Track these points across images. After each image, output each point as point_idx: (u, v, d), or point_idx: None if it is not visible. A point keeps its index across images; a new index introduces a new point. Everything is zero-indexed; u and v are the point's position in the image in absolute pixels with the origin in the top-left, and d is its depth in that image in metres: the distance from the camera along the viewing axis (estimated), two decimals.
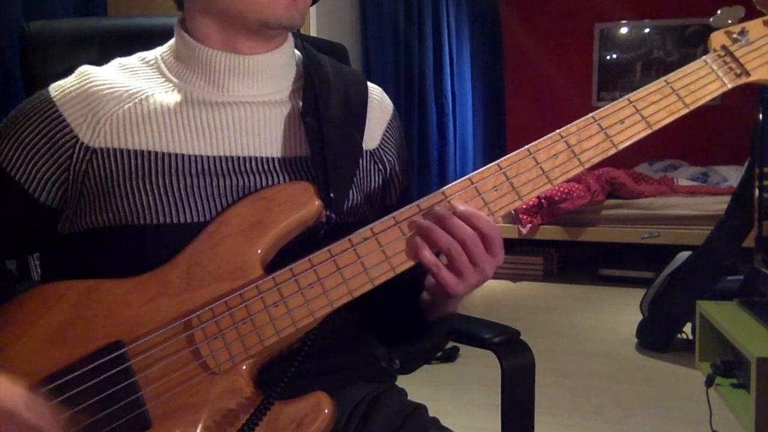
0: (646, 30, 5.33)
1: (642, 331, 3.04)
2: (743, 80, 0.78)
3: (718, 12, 0.81)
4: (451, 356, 2.88)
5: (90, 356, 0.71)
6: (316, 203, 0.76)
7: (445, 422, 0.90)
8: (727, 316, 2.45)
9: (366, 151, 0.88)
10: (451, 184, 0.75)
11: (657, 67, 5.29)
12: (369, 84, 0.93)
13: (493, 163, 0.76)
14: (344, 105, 0.86)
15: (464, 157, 4.52)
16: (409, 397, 0.94)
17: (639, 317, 3.08)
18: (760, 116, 2.50)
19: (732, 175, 4.39)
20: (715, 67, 0.78)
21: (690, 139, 4.55)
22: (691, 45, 5.16)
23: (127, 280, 0.74)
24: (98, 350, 0.71)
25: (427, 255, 0.72)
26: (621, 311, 3.55)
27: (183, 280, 0.73)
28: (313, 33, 2.91)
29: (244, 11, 0.77)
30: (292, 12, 0.78)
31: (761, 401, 2.05)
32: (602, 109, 0.77)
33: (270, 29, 0.81)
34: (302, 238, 0.77)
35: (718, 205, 3.60)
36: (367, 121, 0.88)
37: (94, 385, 0.70)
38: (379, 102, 0.92)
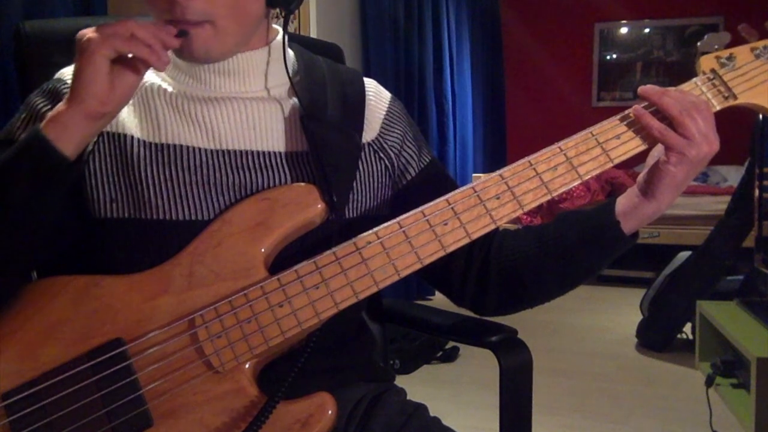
0: (646, 30, 5.33)
1: (642, 331, 3.04)
2: (730, 103, 0.83)
3: (705, 37, 0.86)
4: (451, 356, 2.88)
5: (89, 353, 0.71)
6: (320, 205, 0.76)
7: (445, 422, 0.90)
8: (727, 316, 2.45)
9: (365, 144, 0.88)
10: (454, 192, 0.77)
11: (657, 67, 5.30)
12: (364, 79, 0.93)
13: (494, 173, 0.78)
14: (342, 104, 0.86)
15: (464, 157, 4.52)
16: (409, 397, 0.95)
17: (639, 317, 3.08)
18: (760, 116, 2.50)
19: (732, 175, 4.39)
20: (705, 90, 0.82)
21: None
22: (691, 45, 5.16)
23: (128, 277, 0.74)
24: (98, 347, 0.71)
25: (653, 121, 0.77)
26: (621, 311, 3.55)
27: (185, 279, 0.73)
28: (313, 33, 2.91)
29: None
30: (190, 46, 0.74)
31: (761, 401, 2.05)
32: (599, 124, 0.80)
33: (185, 60, 0.80)
34: (304, 239, 0.78)
35: (718, 205, 3.60)
36: (365, 115, 0.89)
37: (94, 383, 0.70)
38: (375, 94, 0.92)
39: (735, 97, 0.82)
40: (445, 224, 0.76)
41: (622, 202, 0.82)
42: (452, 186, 0.83)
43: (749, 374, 2.11)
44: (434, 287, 0.96)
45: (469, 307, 0.94)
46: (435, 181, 0.92)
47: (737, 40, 0.85)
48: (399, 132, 0.92)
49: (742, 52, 0.84)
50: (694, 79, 0.83)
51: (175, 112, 0.79)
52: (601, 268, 0.87)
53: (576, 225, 0.85)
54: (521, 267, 0.88)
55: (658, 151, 0.79)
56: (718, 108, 0.82)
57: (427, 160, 0.94)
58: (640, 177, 0.81)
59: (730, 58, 0.83)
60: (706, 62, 0.84)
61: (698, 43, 0.86)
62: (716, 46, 0.84)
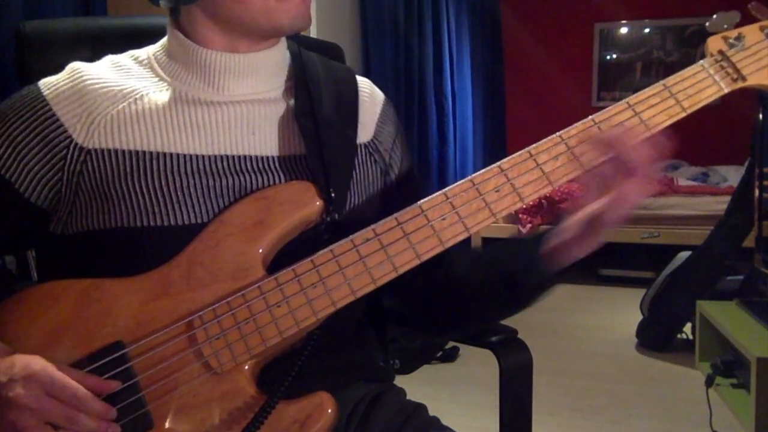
0: (646, 30, 5.33)
1: (642, 331, 3.04)
2: (739, 85, 0.79)
3: (714, 16, 0.82)
4: (451, 356, 2.88)
5: (90, 356, 0.71)
6: (318, 203, 0.76)
7: (445, 422, 0.90)
8: (727, 316, 2.45)
9: (360, 145, 0.88)
10: (452, 186, 0.76)
11: (657, 67, 5.30)
12: (357, 78, 0.93)
13: (494, 165, 0.76)
14: (336, 103, 0.86)
15: (464, 157, 4.52)
16: (409, 397, 0.95)
17: (639, 317, 3.08)
18: (760, 116, 2.50)
19: (732, 175, 4.38)
20: (712, 72, 0.79)
21: (690, 139, 4.52)
22: (691, 45, 5.16)
23: (127, 280, 0.74)
24: (98, 350, 0.71)
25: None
26: (621, 311, 3.55)
27: (184, 280, 0.73)
28: (313, 33, 2.91)
29: (257, 19, 0.77)
30: (303, 13, 0.78)
31: (761, 401, 2.05)
32: (602, 111, 0.77)
33: (283, 33, 0.81)
34: (302, 237, 0.77)
35: (718, 205, 3.60)
36: (359, 115, 0.88)
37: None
38: (369, 95, 0.92)
39: (744, 79, 0.78)
40: (443, 219, 0.74)
41: (551, 242, 0.80)
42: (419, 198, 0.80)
43: (749, 374, 2.11)
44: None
45: (395, 320, 0.95)
46: (408, 191, 0.92)
47: (747, 21, 0.82)
48: (391, 134, 0.92)
49: (751, 31, 0.81)
50: (701, 62, 0.80)
51: (172, 119, 0.78)
52: (519, 309, 0.86)
53: (502, 266, 0.84)
54: (442, 297, 0.88)
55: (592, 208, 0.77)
56: (726, 91, 0.78)
57: (407, 167, 0.94)
58: (573, 221, 0.79)
59: (739, 38, 0.80)
60: (713, 43, 0.80)
61: (707, 23, 0.82)
62: (725, 26, 0.81)
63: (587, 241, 0.77)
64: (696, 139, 4.64)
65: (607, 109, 0.78)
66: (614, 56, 5.40)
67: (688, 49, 5.17)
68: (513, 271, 0.82)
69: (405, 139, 0.96)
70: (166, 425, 0.70)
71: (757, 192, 2.54)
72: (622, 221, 0.75)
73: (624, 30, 5.39)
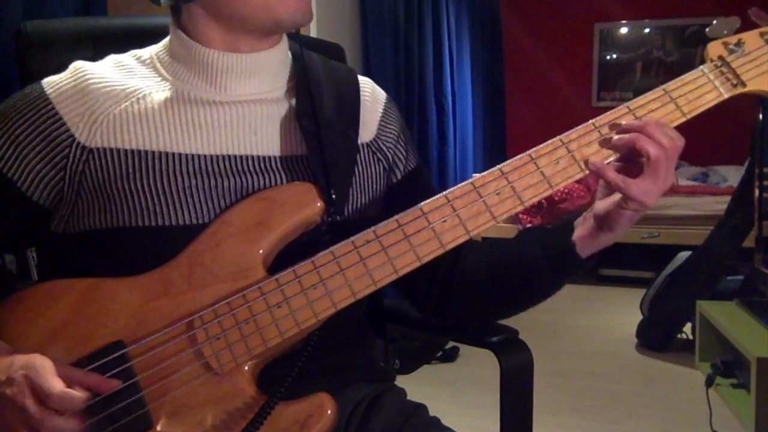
0: (646, 30, 5.33)
1: (642, 331, 3.04)
2: (739, 90, 0.80)
3: (714, 22, 0.82)
4: (451, 356, 2.88)
5: (91, 356, 0.71)
6: (319, 204, 0.76)
7: (445, 422, 0.90)
8: (727, 316, 2.45)
9: (363, 144, 0.88)
10: (453, 188, 0.76)
11: (657, 67, 5.30)
12: (359, 77, 0.93)
13: (495, 168, 0.77)
14: (338, 103, 0.86)
15: (464, 157, 4.52)
16: (409, 397, 0.95)
17: (639, 317, 3.08)
18: (760, 116, 2.50)
19: (732, 175, 4.38)
20: (712, 77, 0.80)
21: (690, 139, 4.50)
22: (691, 45, 5.16)
23: (128, 280, 0.74)
24: (99, 350, 0.71)
25: (612, 175, 0.74)
26: (621, 311, 3.55)
27: (184, 280, 0.73)
28: (313, 33, 2.91)
29: (257, 14, 0.77)
30: (303, 8, 0.78)
31: (761, 401, 2.05)
32: (603, 115, 0.78)
33: (284, 28, 0.81)
34: (303, 238, 0.77)
35: (718, 205, 3.59)
36: (361, 115, 0.88)
37: None
38: (370, 94, 0.92)
39: (744, 84, 0.79)
40: (444, 221, 0.75)
41: (578, 230, 0.81)
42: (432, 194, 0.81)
43: (749, 374, 2.11)
44: (399, 292, 0.95)
45: (432, 315, 0.95)
46: (417, 188, 0.92)
47: (746, 26, 0.82)
48: (394, 132, 0.92)
49: (751, 37, 0.81)
50: (701, 67, 0.80)
51: (174, 119, 0.78)
52: (557, 289, 0.87)
53: (536, 246, 0.85)
54: (482, 281, 0.88)
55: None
56: (726, 96, 0.79)
57: (413, 165, 0.94)
58: (598, 207, 0.79)
59: (739, 44, 0.80)
60: (713, 49, 0.81)
61: (707, 29, 0.82)
62: (725, 32, 0.81)
63: (613, 230, 0.78)
64: (696, 139, 4.61)
65: (608, 113, 0.78)
66: (614, 56, 5.40)
67: (688, 49, 5.17)
68: (544, 259, 0.83)
69: (410, 137, 0.96)
70: (166, 425, 0.70)
71: (757, 192, 2.54)
72: (635, 219, 0.76)
73: (624, 30, 5.39)
